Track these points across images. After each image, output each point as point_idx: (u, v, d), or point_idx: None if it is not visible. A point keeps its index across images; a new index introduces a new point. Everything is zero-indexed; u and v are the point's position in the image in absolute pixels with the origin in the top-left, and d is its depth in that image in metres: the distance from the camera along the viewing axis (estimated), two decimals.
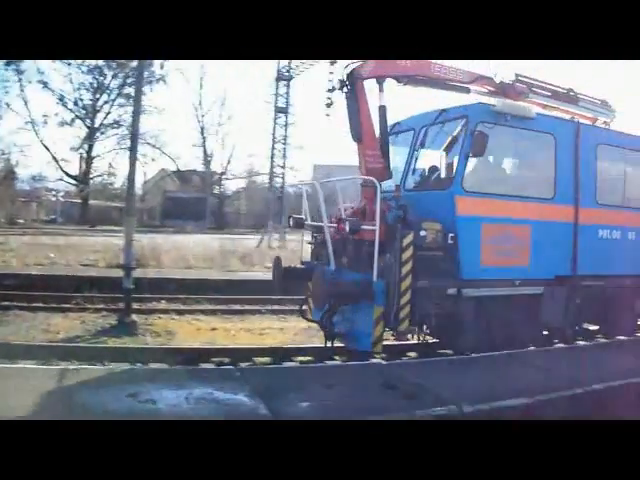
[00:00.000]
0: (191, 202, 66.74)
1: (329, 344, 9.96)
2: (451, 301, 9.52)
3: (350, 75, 9.74)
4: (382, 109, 10.11)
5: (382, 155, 10.02)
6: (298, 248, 29.81)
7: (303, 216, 11.32)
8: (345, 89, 9.89)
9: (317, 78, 55.46)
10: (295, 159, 77.10)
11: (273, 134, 39.23)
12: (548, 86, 11.99)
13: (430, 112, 10.93)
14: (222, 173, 74.03)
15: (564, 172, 10.73)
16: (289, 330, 13.67)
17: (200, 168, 74.19)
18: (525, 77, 11.64)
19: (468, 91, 11.10)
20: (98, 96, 63.78)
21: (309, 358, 11.09)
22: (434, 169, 10.66)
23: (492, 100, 10.55)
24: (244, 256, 25.97)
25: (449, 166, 10.20)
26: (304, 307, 11.05)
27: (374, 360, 9.71)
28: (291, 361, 10.93)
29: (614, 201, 11.69)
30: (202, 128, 72.20)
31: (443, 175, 10.30)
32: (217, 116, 74.79)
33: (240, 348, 11.43)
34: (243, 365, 9.57)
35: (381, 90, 10.08)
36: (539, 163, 10.95)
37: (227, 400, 6.02)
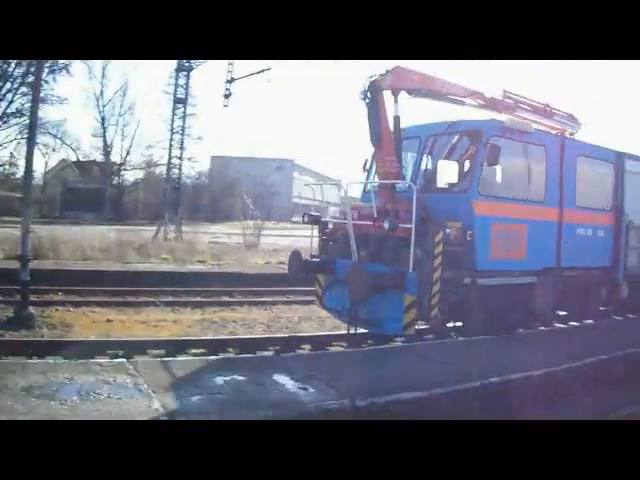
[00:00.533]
0: (90, 193, 65.26)
1: (352, 330, 10.87)
2: (465, 289, 10.66)
3: (371, 86, 10.78)
4: (397, 119, 11.12)
5: (397, 160, 11.05)
6: (195, 240, 29.72)
7: (319, 213, 12.66)
8: (367, 99, 10.85)
9: (217, 70, 54.86)
10: (193, 150, 76.09)
11: (171, 125, 38.64)
12: (529, 102, 13.31)
13: (437, 123, 12.19)
14: (121, 164, 72.64)
15: (552, 179, 12.07)
16: (183, 322, 13.59)
17: (100, 159, 72.55)
18: (512, 94, 12.97)
19: (463, 104, 12.31)
20: (1, 84, 61.09)
21: (203, 350, 10.99)
22: (449, 174, 11.38)
23: (502, 117, 11.92)
24: (140, 247, 25.60)
25: (464, 172, 11.56)
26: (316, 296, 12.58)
27: (266, 353, 9.79)
28: (186, 354, 10.80)
29: (588, 204, 13.10)
30: (103, 118, 70.77)
31: (458, 180, 11.35)
32: (118, 106, 72.92)
33: (135, 340, 11.28)
34: (137, 358, 9.45)
35: (396, 101, 11.13)
36: (534, 171, 11.94)
37: (119, 394, 5.90)
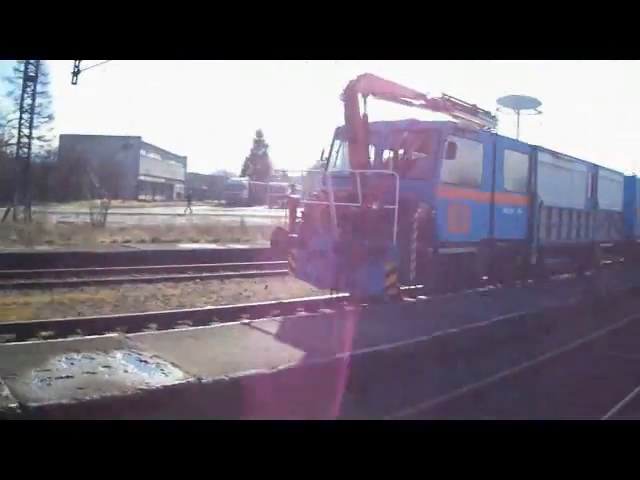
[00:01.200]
0: None
1: (335, 294, 13.12)
2: (428, 257, 12.25)
3: (348, 89, 12.40)
4: (365, 117, 12.72)
5: (367, 151, 12.93)
6: (44, 220, 28.54)
7: (300, 196, 14.79)
8: (344, 99, 12.45)
9: None
10: (44, 129, 71.95)
11: (21, 103, 36.69)
12: (462, 103, 15.26)
13: (397, 121, 13.94)
14: None
15: (487, 168, 14.42)
16: (33, 305, 13.08)
17: None
18: (449, 96, 14.86)
19: (411, 104, 14.38)
20: None
21: (52, 333, 10.71)
22: (414, 164, 13.48)
23: (456, 119, 14.20)
24: None
25: (424, 163, 13.47)
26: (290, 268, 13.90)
27: (113, 334, 9.66)
28: (36, 337, 10.45)
29: (511, 188, 15.65)
30: None
31: (422, 170, 13.26)
32: None
33: None
34: None
35: (365, 102, 12.74)
36: (474, 162, 14.14)
37: None
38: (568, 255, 19.06)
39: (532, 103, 76.89)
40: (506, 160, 15.21)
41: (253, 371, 6.70)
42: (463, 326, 10.20)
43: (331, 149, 14.92)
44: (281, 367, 6.97)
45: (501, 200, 15.00)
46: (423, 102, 14.32)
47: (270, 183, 78.44)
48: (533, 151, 16.77)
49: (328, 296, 13.64)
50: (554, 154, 18.10)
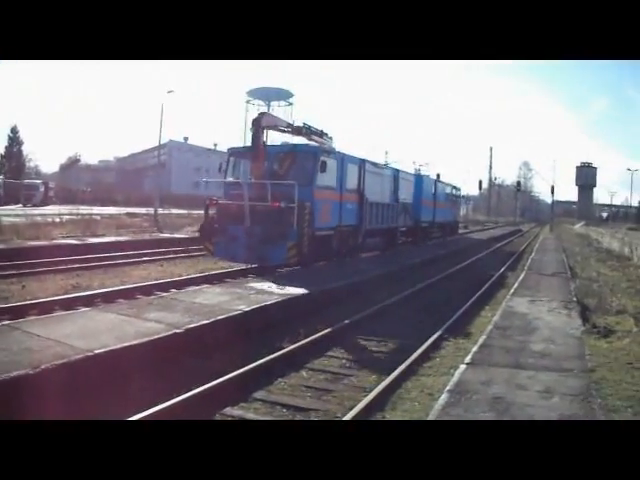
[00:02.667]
0: None
1: (249, 265, 17.75)
2: (310, 238, 16.99)
3: (254, 122, 16.87)
4: (264, 142, 17.46)
5: (263, 167, 17.04)
6: None
7: (216, 198, 18.38)
8: (253, 131, 16.89)
9: None
10: None
11: None
12: (315, 129, 20.53)
13: (282, 145, 19.36)
14: None
15: (338, 176, 19.28)
16: None
17: None
18: (307, 125, 20.20)
19: (283, 132, 19.74)
20: None
21: None
22: (298, 175, 16.84)
23: (310, 141, 20.01)
24: None
25: (306, 175, 17.16)
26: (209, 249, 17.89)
27: None
28: None
29: (350, 189, 20.39)
30: None
31: (303, 180, 16.69)
32: None
33: None
34: None
35: (263, 132, 17.43)
36: (332, 172, 18.68)
37: None
38: (380, 237, 24.66)
39: (283, 95, 78.44)
40: (348, 170, 20.20)
41: (17, 373, 6.19)
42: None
43: (227, 164, 19.44)
44: (43, 367, 6.48)
45: (345, 198, 19.88)
46: (291, 130, 19.65)
47: (25, 181, 73.57)
48: (362, 162, 21.86)
49: (87, 293, 13.13)
50: (374, 164, 23.70)
